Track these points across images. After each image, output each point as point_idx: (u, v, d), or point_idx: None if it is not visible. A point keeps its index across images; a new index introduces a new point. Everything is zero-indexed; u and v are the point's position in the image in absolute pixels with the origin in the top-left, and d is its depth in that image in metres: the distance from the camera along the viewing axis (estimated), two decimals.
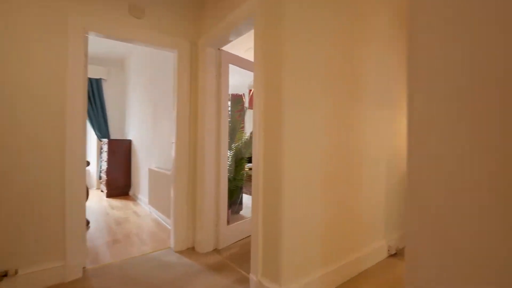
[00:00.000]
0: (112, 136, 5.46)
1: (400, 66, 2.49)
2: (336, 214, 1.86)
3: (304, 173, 1.64)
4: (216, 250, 2.45)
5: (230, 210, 3.02)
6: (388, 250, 2.33)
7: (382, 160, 2.29)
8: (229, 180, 2.98)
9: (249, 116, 5.26)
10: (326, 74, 1.77)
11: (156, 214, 3.61)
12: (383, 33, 2.26)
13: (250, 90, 6.00)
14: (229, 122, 3.02)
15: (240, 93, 5.68)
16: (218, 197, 2.49)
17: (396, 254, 2.37)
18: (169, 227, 3.03)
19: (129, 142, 5.01)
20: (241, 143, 3.08)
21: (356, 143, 2.01)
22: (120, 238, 2.78)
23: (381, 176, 2.28)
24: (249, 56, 2.86)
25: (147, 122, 4.23)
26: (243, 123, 3.11)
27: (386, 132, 2.32)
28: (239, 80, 5.56)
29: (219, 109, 2.48)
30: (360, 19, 2.01)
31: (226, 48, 2.52)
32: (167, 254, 2.39)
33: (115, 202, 4.46)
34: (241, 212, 3.49)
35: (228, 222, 2.70)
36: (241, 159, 3.05)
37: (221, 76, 2.48)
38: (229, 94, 3.01)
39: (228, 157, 3.04)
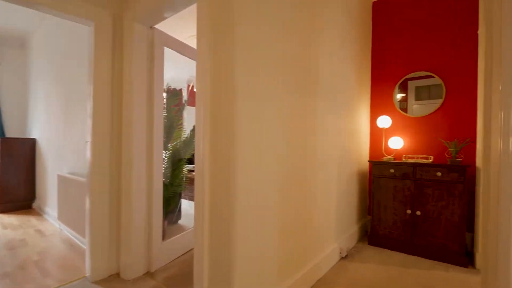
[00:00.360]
0: (9, 134, 4.31)
1: (352, 61, 2.46)
2: (293, 220, 1.64)
3: (260, 176, 1.37)
4: (149, 274, 2.00)
5: (166, 221, 2.56)
6: (340, 253, 2.24)
7: (335, 160, 2.19)
8: (166, 186, 2.53)
9: (188, 114, 4.79)
10: (283, 65, 1.53)
11: (68, 232, 2.88)
12: (337, 24, 2.16)
13: (189, 85, 5.50)
14: (165, 118, 2.57)
15: (178, 88, 5.14)
16: (150, 207, 2.03)
17: (347, 256, 2.31)
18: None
19: (32, 142, 3.99)
20: (179, 142, 2.66)
21: (313, 142, 1.84)
22: (10, 271, 2.06)
23: (333, 177, 2.18)
24: (192, 44, 2.47)
25: (57, 117, 3.38)
26: (182, 119, 2.69)
27: (337, 131, 2.23)
28: (177, 74, 5.02)
29: (151, 102, 2.03)
30: (315, 12, 1.85)
31: (162, 29, 2.08)
32: (81, 287, 1.83)
33: (10, 218, 3.47)
34: (180, 222, 3.04)
35: (164, 237, 2.26)
36: (179, 161, 2.63)
37: (154, 60, 2.03)
38: (164, 87, 2.56)
39: (164, 159, 2.58)
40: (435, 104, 2.63)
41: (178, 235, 2.36)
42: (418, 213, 2.35)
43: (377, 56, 2.98)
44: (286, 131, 1.56)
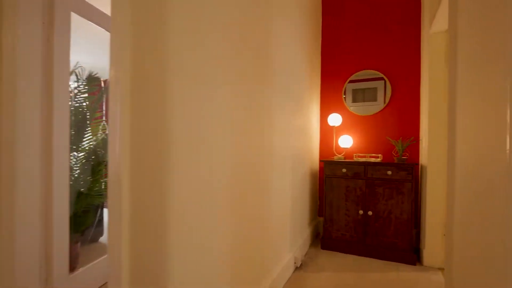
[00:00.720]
0: None
1: (305, 55, 2.26)
2: (247, 233, 1.33)
3: (202, 181, 1.01)
4: None
5: (79, 244, 1.98)
6: (295, 263, 2.02)
7: (289, 160, 1.96)
8: (81, 196, 1.95)
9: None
10: (229, 40, 1.20)
11: None
12: (290, 15, 1.91)
13: None
14: (74, 107, 1.98)
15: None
16: (48, 228, 1.47)
17: (302, 266, 2.10)
18: None
19: None
20: (97, 140, 2.09)
21: (269, 141, 1.55)
22: None
23: (288, 178, 1.94)
24: None
25: None
26: (101, 111, 2.12)
27: (292, 129, 2.00)
28: (103, 60, 4.23)
29: (50, 85, 1.47)
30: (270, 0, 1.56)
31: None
32: None
33: None
34: (103, 239, 2.45)
35: (76, 266, 1.70)
36: (99, 165, 2.06)
37: (54, 28, 1.47)
38: (75, 68, 1.99)
39: (76, 161, 1.99)
40: (382, 103, 2.63)
41: (96, 261, 1.82)
42: (370, 213, 2.28)
43: (327, 53, 2.88)
44: (238, 127, 1.23)
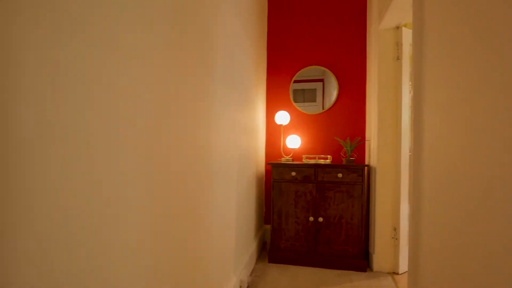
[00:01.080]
0: None
1: (251, 47, 1.95)
2: (179, 263, 0.92)
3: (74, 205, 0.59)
4: None
5: None
6: (240, 287, 1.68)
7: (235, 163, 1.62)
8: None
9: None
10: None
11: None
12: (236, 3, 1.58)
13: None
14: None
15: None
16: None
17: None
18: None
19: None
20: None
21: (207, 140, 1.18)
22: None
23: (233, 186, 1.59)
24: None
25: None
26: None
27: (238, 127, 1.67)
28: None
29: None
30: None
31: None
32: None
33: None
34: None
35: None
36: None
37: None
38: None
39: None
40: (330, 101, 2.51)
41: None
42: (321, 219, 2.10)
43: (273, 46, 2.64)
44: (157, 121, 0.83)
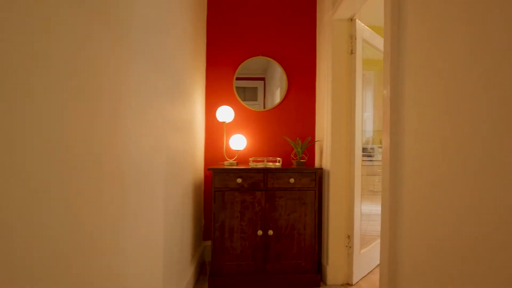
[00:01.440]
0: None
1: (188, 31, 1.52)
2: None
3: None
4: None
5: None
6: None
7: (161, 169, 1.18)
8: None
9: None
10: None
11: None
12: None
13: None
14: None
15: None
16: None
17: None
18: None
19: None
20: None
21: (115, 139, 0.73)
22: None
23: (159, 202, 1.16)
24: None
25: None
26: None
27: (165, 123, 1.23)
28: None
29: None
30: None
31: None
32: None
33: None
34: None
35: None
36: None
37: None
38: None
39: None
40: (278, 97, 2.26)
41: None
42: (271, 232, 1.82)
43: (214, 33, 2.25)
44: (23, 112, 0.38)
